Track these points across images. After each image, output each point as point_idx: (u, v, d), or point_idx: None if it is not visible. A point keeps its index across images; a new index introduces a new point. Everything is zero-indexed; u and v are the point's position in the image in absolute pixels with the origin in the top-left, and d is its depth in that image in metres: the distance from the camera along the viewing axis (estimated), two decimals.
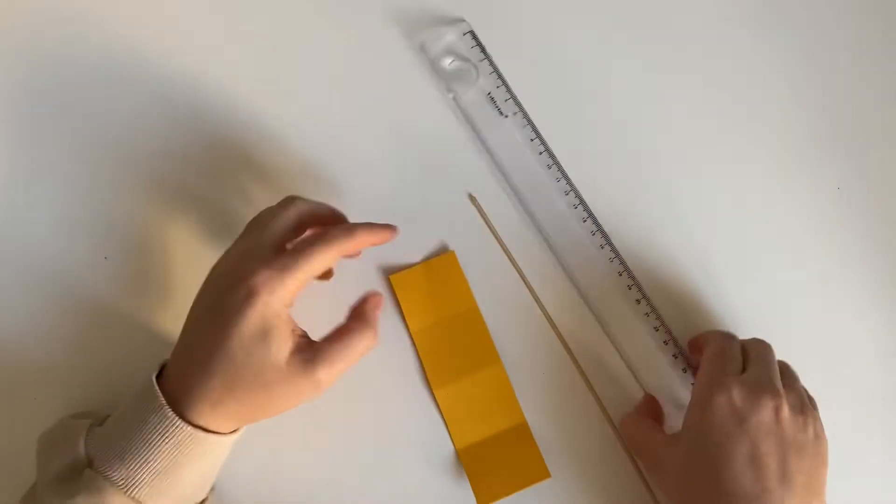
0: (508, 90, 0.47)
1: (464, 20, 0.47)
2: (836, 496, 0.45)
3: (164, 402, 0.37)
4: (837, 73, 0.47)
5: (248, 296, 0.36)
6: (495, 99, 0.47)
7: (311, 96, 0.47)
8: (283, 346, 0.37)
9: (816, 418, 0.41)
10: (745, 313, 0.47)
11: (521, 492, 0.44)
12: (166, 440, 0.37)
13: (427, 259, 0.46)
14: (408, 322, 0.46)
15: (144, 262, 0.45)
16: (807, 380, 0.46)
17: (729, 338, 0.43)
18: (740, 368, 0.41)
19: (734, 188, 0.47)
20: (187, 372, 0.37)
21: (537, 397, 0.45)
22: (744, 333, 0.46)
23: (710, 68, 0.47)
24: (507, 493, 0.44)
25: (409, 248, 0.46)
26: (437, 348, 0.45)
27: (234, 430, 0.39)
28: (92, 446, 0.38)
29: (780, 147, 0.47)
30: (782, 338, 0.46)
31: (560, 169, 0.47)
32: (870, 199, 0.47)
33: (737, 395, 0.39)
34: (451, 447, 0.45)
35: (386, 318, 0.46)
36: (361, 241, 0.41)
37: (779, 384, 0.40)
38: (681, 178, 0.47)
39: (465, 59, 0.45)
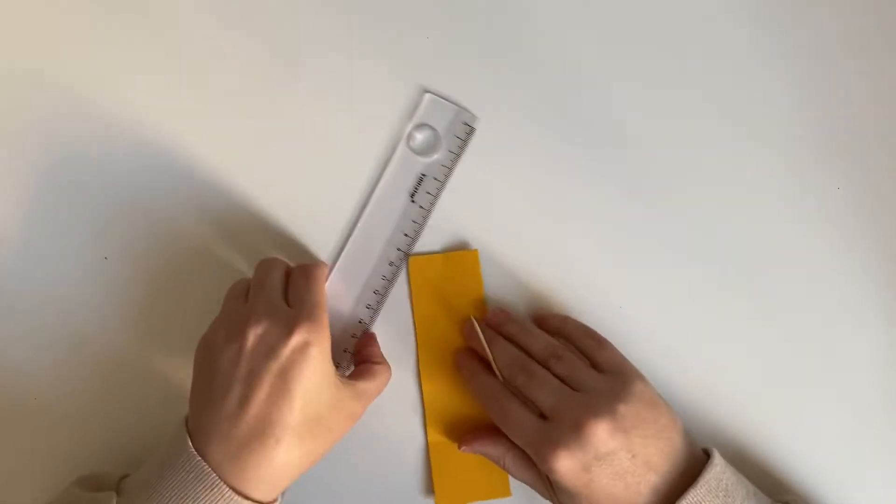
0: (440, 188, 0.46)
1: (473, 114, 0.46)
2: None
3: (217, 478, 0.36)
4: (837, 73, 0.47)
5: (304, 349, 0.37)
6: (422, 182, 0.46)
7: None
8: (343, 388, 0.39)
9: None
10: (742, 315, 0.46)
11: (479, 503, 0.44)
12: None
13: (449, 251, 0.46)
14: (414, 306, 0.46)
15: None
16: (804, 386, 0.46)
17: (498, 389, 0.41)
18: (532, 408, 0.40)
19: (733, 189, 0.46)
20: (235, 445, 0.36)
21: None
22: (741, 335, 0.46)
23: (707, 68, 0.47)
24: (466, 501, 0.44)
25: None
26: (436, 339, 0.45)
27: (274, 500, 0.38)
28: None
29: (780, 147, 0.47)
30: (779, 341, 0.46)
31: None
32: (870, 199, 0.47)
33: (566, 459, 0.37)
34: (423, 440, 0.45)
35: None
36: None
37: (580, 408, 0.38)
38: (678, 178, 0.46)
39: (438, 135, 0.45)
